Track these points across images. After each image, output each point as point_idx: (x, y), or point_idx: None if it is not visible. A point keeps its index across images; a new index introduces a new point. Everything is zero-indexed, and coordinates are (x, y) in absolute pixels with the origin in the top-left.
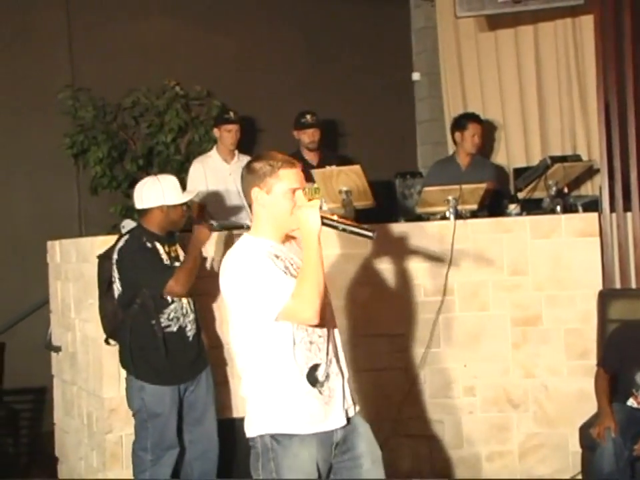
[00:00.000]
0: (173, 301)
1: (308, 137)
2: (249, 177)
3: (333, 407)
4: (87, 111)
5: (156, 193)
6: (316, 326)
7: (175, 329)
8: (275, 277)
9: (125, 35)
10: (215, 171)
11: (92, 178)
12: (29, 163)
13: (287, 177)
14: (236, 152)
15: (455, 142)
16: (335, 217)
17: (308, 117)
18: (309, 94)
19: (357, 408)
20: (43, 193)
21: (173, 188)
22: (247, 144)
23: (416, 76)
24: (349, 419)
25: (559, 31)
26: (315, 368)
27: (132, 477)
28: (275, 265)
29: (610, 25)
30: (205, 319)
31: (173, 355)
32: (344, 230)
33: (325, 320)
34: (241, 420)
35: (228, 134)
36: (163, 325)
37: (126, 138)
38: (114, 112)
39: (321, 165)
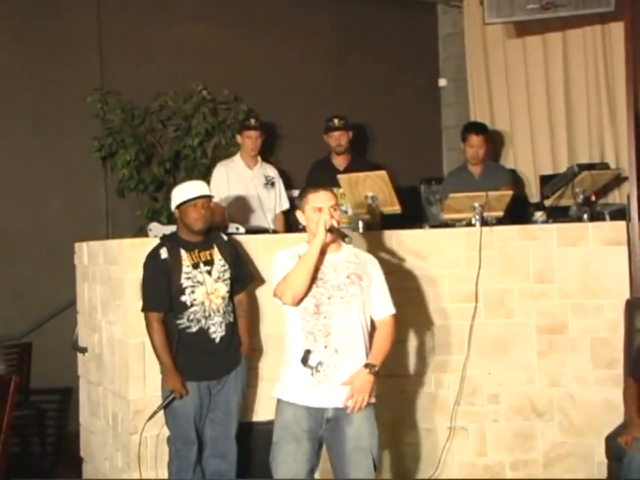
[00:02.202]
0: (192, 304)
1: (334, 140)
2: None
3: (324, 390)
4: (115, 114)
5: (172, 199)
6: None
7: (194, 329)
8: (281, 267)
9: (154, 39)
10: (238, 176)
11: (119, 180)
12: (58, 164)
13: (312, 200)
14: (259, 158)
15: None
16: (335, 225)
17: (335, 120)
18: (336, 99)
19: (373, 400)
20: (72, 194)
21: (182, 190)
22: (275, 148)
23: (442, 82)
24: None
25: (587, 37)
26: (308, 353)
27: (156, 478)
28: (289, 261)
29: None
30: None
31: (192, 354)
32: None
33: (317, 318)
34: (260, 424)
35: (249, 140)
36: (182, 325)
37: (153, 141)
38: (142, 115)
39: (349, 169)
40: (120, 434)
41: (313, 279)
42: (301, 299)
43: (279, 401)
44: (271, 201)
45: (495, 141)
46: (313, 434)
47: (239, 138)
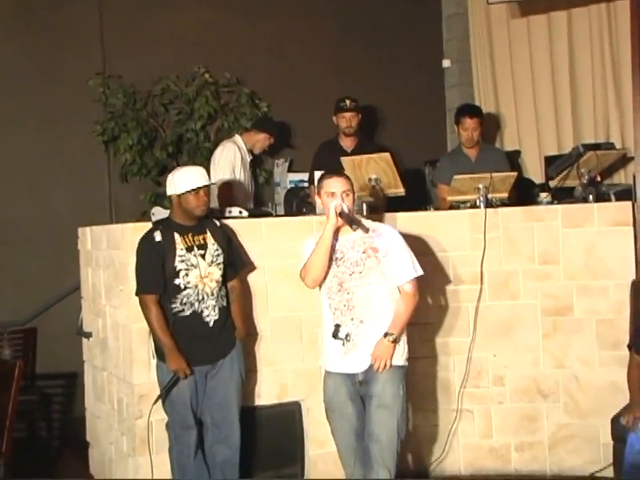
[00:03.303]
0: (185, 287)
1: (346, 121)
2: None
3: (353, 357)
4: (117, 98)
5: (170, 183)
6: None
7: (187, 313)
8: (306, 253)
9: (155, 22)
10: (242, 158)
11: (122, 165)
12: (60, 149)
13: (326, 185)
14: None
15: (457, 133)
16: (345, 210)
17: (347, 101)
18: (339, 81)
19: (401, 363)
20: (74, 179)
21: (185, 177)
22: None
23: (446, 63)
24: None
25: (593, 16)
26: (337, 327)
27: (161, 462)
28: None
29: None
30: (244, 307)
31: (185, 337)
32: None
33: (341, 294)
34: (266, 408)
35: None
36: (176, 309)
37: (156, 125)
38: (144, 99)
39: (357, 151)
40: (125, 418)
41: (334, 259)
42: (323, 281)
43: (325, 371)
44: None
45: (499, 122)
46: (354, 397)
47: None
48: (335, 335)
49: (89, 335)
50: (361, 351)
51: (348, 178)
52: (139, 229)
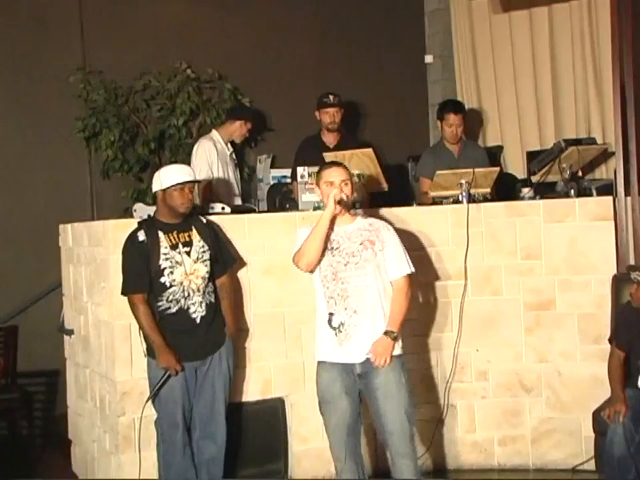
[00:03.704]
0: (171, 285)
1: (329, 117)
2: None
3: (347, 347)
4: (98, 94)
5: (156, 179)
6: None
7: (174, 310)
8: (299, 240)
9: (136, 17)
10: (221, 154)
11: (103, 161)
12: (41, 146)
13: (325, 175)
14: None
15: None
16: (344, 198)
17: (331, 97)
18: (322, 77)
19: (398, 352)
20: (55, 176)
21: (170, 173)
22: (259, 126)
23: (429, 58)
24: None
25: (574, 11)
26: (331, 315)
27: (144, 460)
28: (307, 233)
29: (626, 4)
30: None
31: (172, 334)
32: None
33: (335, 284)
34: (250, 404)
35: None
36: (162, 307)
37: (137, 121)
38: (125, 95)
39: (339, 147)
40: (107, 416)
41: (329, 249)
42: (315, 266)
43: (318, 363)
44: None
45: (481, 117)
46: (349, 390)
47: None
48: (329, 323)
49: (70, 332)
50: (356, 341)
51: (346, 168)
52: (121, 226)
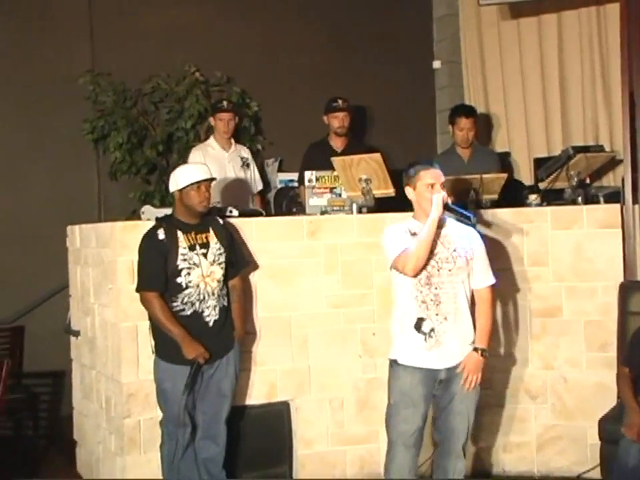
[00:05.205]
0: (187, 286)
1: (338, 121)
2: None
3: (436, 353)
4: (107, 96)
5: (172, 180)
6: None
7: (188, 312)
8: (395, 242)
9: (146, 20)
10: (215, 159)
11: (111, 163)
12: (49, 147)
13: (424, 177)
14: (232, 141)
15: (452, 134)
16: (450, 203)
17: (340, 101)
18: (329, 81)
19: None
20: (63, 177)
21: (185, 172)
22: (267, 129)
23: (437, 64)
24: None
25: (583, 19)
26: (421, 320)
27: (149, 461)
28: (402, 235)
29: (636, 11)
30: (244, 306)
31: None
32: (454, 214)
33: (429, 288)
34: (255, 407)
35: (221, 122)
36: (176, 308)
37: (146, 123)
38: (134, 97)
39: (347, 151)
40: (113, 417)
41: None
42: (420, 271)
43: (393, 363)
44: (250, 182)
45: (489, 124)
46: (427, 397)
47: (211, 120)
48: (418, 328)
49: (77, 334)
50: (445, 348)
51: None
52: (128, 228)
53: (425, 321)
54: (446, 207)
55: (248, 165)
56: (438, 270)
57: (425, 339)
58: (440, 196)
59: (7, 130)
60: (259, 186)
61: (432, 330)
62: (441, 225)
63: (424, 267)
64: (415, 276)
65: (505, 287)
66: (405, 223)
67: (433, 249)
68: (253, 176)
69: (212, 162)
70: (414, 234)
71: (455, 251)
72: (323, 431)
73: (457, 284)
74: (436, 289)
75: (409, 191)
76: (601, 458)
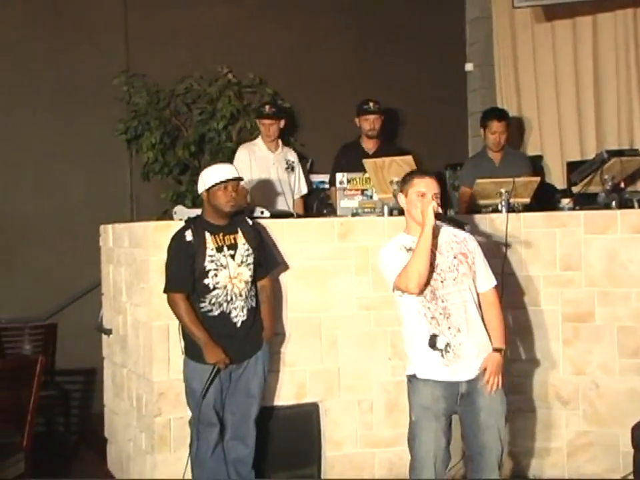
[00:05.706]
0: (214, 288)
1: (369, 124)
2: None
3: (455, 367)
4: (140, 97)
5: (200, 180)
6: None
7: (216, 313)
8: (392, 262)
9: (180, 21)
10: (261, 159)
11: (144, 164)
12: (83, 148)
13: (417, 184)
14: (279, 142)
15: (484, 137)
16: (440, 211)
17: (371, 104)
18: (361, 83)
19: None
20: (96, 177)
21: (212, 172)
22: (298, 132)
23: (469, 67)
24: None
25: (618, 21)
26: (434, 337)
27: (179, 460)
28: (398, 253)
29: None
30: (274, 307)
31: (213, 337)
32: (448, 223)
33: (436, 303)
34: (284, 408)
35: (264, 127)
36: (204, 309)
37: (178, 124)
38: (167, 98)
39: (378, 154)
40: (144, 416)
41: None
42: (425, 286)
43: (412, 379)
44: (292, 185)
45: (521, 127)
46: (449, 411)
47: (258, 122)
48: (433, 346)
49: (109, 332)
50: (463, 361)
51: (437, 181)
52: (161, 228)
53: (438, 337)
54: (438, 216)
55: (293, 169)
56: (442, 282)
57: (442, 355)
58: (431, 205)
59: (42, 131)
60: (303, 190)
61: (447, 345)
62: (435, 234)
63: (427, 282)
64: (420, 292)
65: (535, 291)
66: (395, 240)
67: (432, 261)
68: (298, 179)
69: (257, 162)
70: (409, 249)
71: (455, 257)
72: (352, 433)
73: (465, 291)
74: (443, 301)
75: (400, 198)
76: (634, 465)
